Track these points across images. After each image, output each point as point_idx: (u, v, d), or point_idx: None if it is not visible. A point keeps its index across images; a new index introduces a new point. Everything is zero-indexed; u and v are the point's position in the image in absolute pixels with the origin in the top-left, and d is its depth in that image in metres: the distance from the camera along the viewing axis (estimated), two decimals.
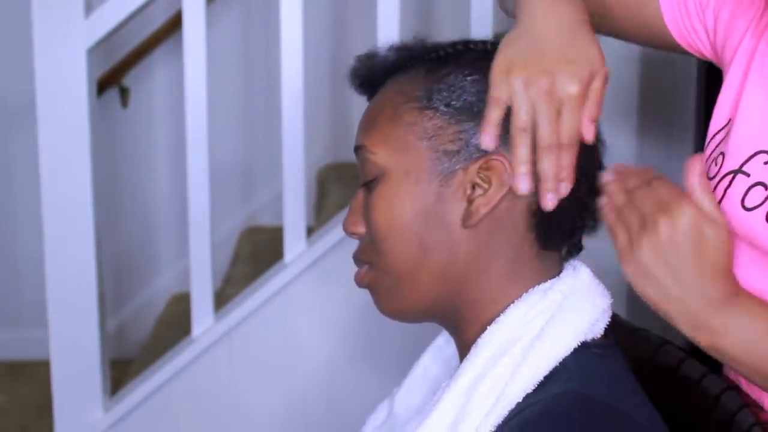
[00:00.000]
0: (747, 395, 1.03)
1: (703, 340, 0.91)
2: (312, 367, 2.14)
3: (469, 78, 0.98)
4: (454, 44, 1.03)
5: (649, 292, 0.92)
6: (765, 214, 1.00)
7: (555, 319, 0.95)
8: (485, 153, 0.96)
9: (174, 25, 3.10)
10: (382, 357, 2.10)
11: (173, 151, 3.21)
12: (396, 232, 0.98)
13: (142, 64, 3.28)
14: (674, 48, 1.17)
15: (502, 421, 0.91)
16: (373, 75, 1.06)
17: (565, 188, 0.96)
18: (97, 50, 2.05)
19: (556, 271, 1.00)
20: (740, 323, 0.90)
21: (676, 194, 0.90)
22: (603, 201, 0.95)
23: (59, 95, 2.02)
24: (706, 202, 0.90)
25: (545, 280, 0.99)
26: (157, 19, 3.17)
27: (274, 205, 3.10)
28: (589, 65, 0.96)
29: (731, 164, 1.05)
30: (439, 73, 1.00)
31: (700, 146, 2.21)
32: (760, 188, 1.01)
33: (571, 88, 0.95)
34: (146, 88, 3.32)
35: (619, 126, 2.11)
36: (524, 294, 0.97)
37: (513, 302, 0.97)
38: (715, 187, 1.06)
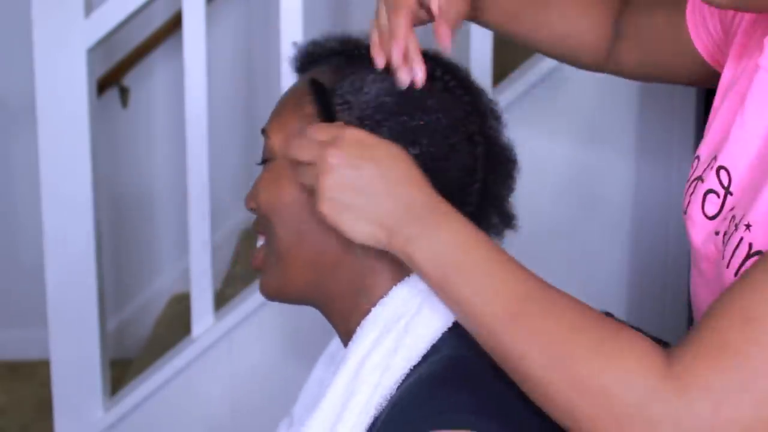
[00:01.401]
0: None
1: (397, 246, 0.93)
2: (312, 367, 2.14)
3: (369, 77, 1.03)
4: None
5: (345, 219, 0.94)
6: (716, 225, 1.01)
7: (432, 295, 0.97)
8: None
9: (174, 25, 3.10)
10: None
11: (173, 151, 3.21)
12: (276, 215, 1.06)
13: (142, 64, 3.28)
14: (709, 76, 1.17)
15: (391, 395, 0.95)
16: (300, 62, 1.12)
17: (419, 72, 1.01)
18: (97, 50, 2.05)
19: None
20: (432, 233, 0.92)
21: (332, 127, 0.96)
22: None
23: (59, 95, 2.02)
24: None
25: None
26: (157, 19, 3.17)
27: None
28: None
29: (698, 171, 1.06)
30: (346, 70, 1.04)
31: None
32: (713, 196, 1.02)
33: None
34: (146, 88, 3.32)
35: (618, 127, 2.11)
36: (406, 277, 1.01)
37: (396, 285, 1.01)
38: (685, 194, 1.07)
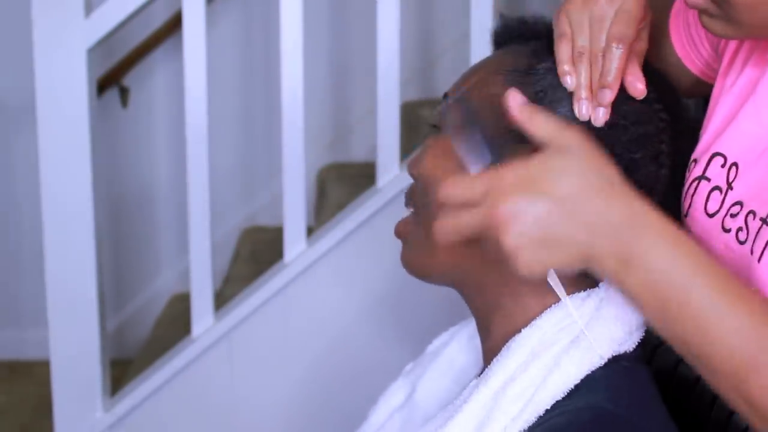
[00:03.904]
0: None
1: (608, 275, 0.82)
2: (312, 366, 2.15)
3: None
4: None
5: (540, 264, 0.81)
6: (721, 222, 0.99)
7: (590, 326, 0.92)
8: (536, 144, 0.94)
9: (174, 25, 3.10)
10: (382, 358, 2.10)
11: (173, 151, 3.21)
12: (434, 188, 0.95)
13: (142, 64, 3.28)
14: (702, 86, 1.15)
15: (528, 428, 0.90)
16: (502, 36, 1.05)
17: (609, 95, 0.93)
18: (97, 50, 2.05)
19: (596, 282, 0.97)
20: (640, 259, 0.81)
21: (479, 179, 0.83)
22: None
23: (59, 95, 2.02)
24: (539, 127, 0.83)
25: (584, 289, 0.96)
26: (157, 19, 3.17)
27: (274, 205, 3.10)
28: None
29: (697, 170, 1.04)
30: (544, 55, 0.98)
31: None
32: (716, 193, 1.00)
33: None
34: (146, 88, 3.32)
35: None
36: (562, 300, 0.94)
37: (550, 307, 0.95)
38: (685, 195, 1.05)
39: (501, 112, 0.90)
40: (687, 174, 1.06)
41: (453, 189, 0.83)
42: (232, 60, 3.27)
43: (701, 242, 1.01)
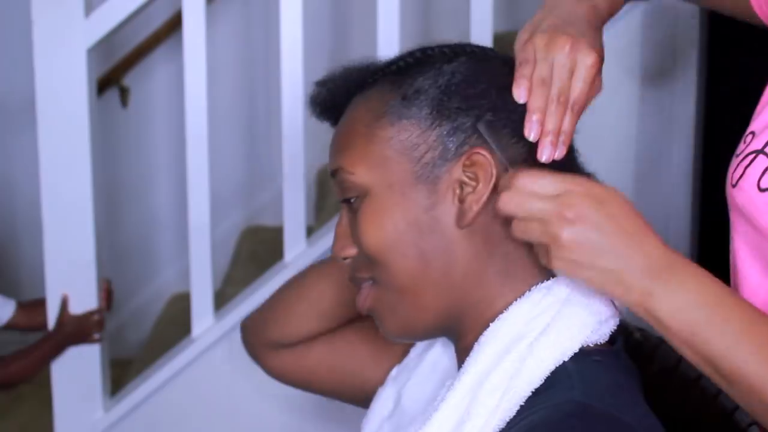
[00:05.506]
0: None
1: (633, 301, 0.89)
2: None
3: (432, 79, 0.99)
4: (411, 53, 1.03)
5: (581, 276, 0.90)
6: None
7: (561, 313, 0.94)
8: (464, 151, 0.96)
9: (174, 25, 3.10)
10: None
11: (173, 152, 3.21)
12: (392, 247, 0.97)
13: (142, 64, 3.28)
14: (754, 19, 1.17)
15: (506, 425, 0.90)
16: (335, 98, 1.06)
17: (561, 151, 0.97)
18: (97, 50, 2.05)
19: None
20: (675, 287, 0.88)
21: (558, 181, 0.90)
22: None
23: (59, 95, 2.02)
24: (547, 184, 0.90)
25: (545, 279, 0.97)
26: (157, 19, 3.17)
27: (274, 205, 3.10)
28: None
29: (756, 143, 1.05)
30: (404, 83, 0.99)
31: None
32: None
33: (588, 58, 0.98)
34: (146, 88, 3.32)
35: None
36: (527, 292, 0.96)
37: (515, 300, 0.96)
38: (737, 165, 1.05)
39: (407, 146, 0.96)
40: (742, 145, 1.07)
41: (531, 182, 0.90)
42: (233, 60, 3.27)
43: (745, 214, 1.03)
